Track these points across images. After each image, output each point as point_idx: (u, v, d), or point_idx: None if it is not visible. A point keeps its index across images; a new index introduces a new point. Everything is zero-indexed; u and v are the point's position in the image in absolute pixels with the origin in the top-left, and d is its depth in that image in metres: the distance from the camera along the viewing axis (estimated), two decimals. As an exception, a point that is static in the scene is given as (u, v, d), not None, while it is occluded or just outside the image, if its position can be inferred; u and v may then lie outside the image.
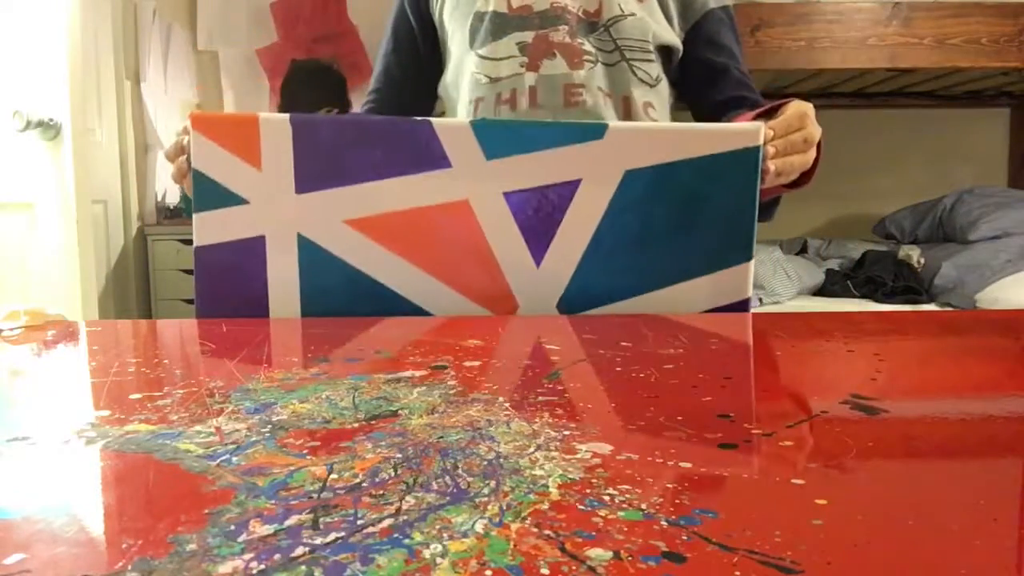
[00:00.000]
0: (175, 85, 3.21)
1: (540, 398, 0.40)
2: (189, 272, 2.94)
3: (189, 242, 2.66)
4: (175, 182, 0.81)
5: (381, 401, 0.40)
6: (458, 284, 0.68)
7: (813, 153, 0.76)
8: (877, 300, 2.37)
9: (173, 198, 3.23)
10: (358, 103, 3.01)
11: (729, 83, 0.97)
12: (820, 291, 2.50)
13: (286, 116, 0.71)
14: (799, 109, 0.75)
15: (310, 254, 0.69)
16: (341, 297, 0.68)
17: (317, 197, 0.70)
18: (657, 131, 0.75)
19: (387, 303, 0.67)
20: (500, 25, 0.95)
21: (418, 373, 0.46)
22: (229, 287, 0.70)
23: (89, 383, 0.47)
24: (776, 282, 2.32)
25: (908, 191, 2.91)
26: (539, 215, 0.70)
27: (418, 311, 0.67)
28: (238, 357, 0.53)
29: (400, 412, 0.38)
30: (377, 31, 2.83)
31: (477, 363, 0.48)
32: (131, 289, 2.87)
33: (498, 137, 0.70)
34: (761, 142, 0.69)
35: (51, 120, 1.95)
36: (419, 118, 0.70)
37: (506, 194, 0.70)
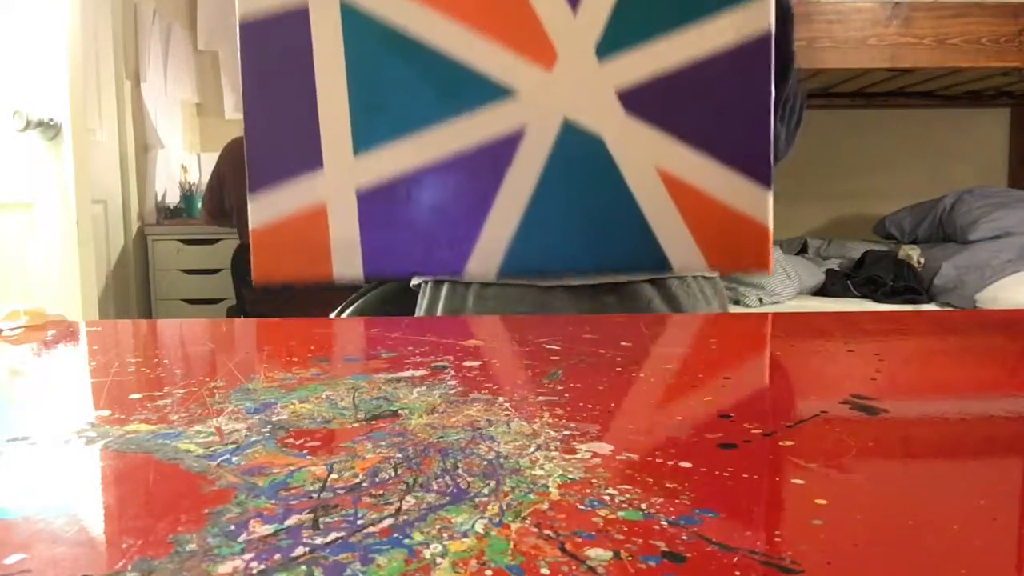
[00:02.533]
0: (175, 85, 3.21)
1: (540, 398, 0.40)
2: (189, 272, 2.94)
3: (189, 242, 2.64)
4: None
5: (381, 401, 0.40)
6: (499, 36, 0.70)
7: None
8: (877, 300, 2.37)
9: (173, 198, 3.23)
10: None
11: None
12: (820, 291, 2.50)
13: None
14: None
15: (352, 19, 0.71)
16: (384, 58, 0.69)
17: None
18: None
19: (430, 62, 0.68)
20: None
21: (418, 373, 0.46)
22: (274, 59, 0.70)
23: (89, 383, 0.47)
24: (776, 282, 2.33)
25: (908, 191, 2.91)
26: None
27: (460, 67, 0.68)
28: (238, 357, 0.53)
29: (400, 412, 0.38)
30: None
31: (477, 363, 0.48)
32: (131, 289, 2.87)
33: None
34: None
35: (51, 120, 1.95)
36: None
37: None
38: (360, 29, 0.69)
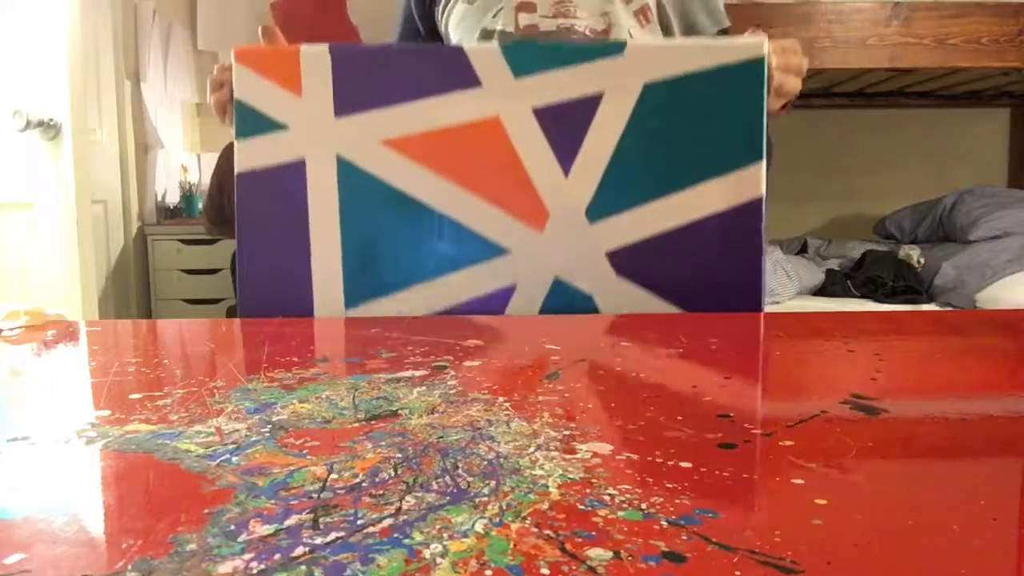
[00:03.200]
0: (175, 85, 3.21)
1: (540, 398, 0.40)
2: (189, 272, 2.94)
3: (189, 242, 2.64)
4: (216, 112, 0.84)
5: (381, 401, 0.40)
6: (492, 197, 0.72)
7: (800, 83, 0.82)
8: (877, 300, 2.37)
9: (173, 198, 3.23)
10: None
11: None
12: (820, 291, 2.50)
13: (326, 46, 0.76)
14: (785, 43, 0.81)
15: (349, 174, 0.73)
16: (379, 214, 0.71)
17: (355, 120, 0.75)
18: (671, 47, 0.82)
19: (424, 219, 0.71)
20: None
21: (418, 373, 0.46)
22: (271, 210, 0.73)
23: (89, 383, 0.47)
24: (776, 282, 2.32)
25: (908, 191, 2.91)
26: (566, 128, 0.75)
27: (454, 226, 0.70)
28: (238, 357, 0.53)
29: (400, 412, 0.38)
30: (378, 32, 2.83)
31: (477, 363, 0.48)
32: (131, 289, 2.87)
33: (525, 56, 0.76)
34: (765, 52, 0.75)
35: (51, 120, 1.95)
36: (451, 44, 0.75)
37: (534, 109, 0.75)
38: (357, 184, 0.71)
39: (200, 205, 3.20)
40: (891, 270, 2.44)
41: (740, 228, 0.69)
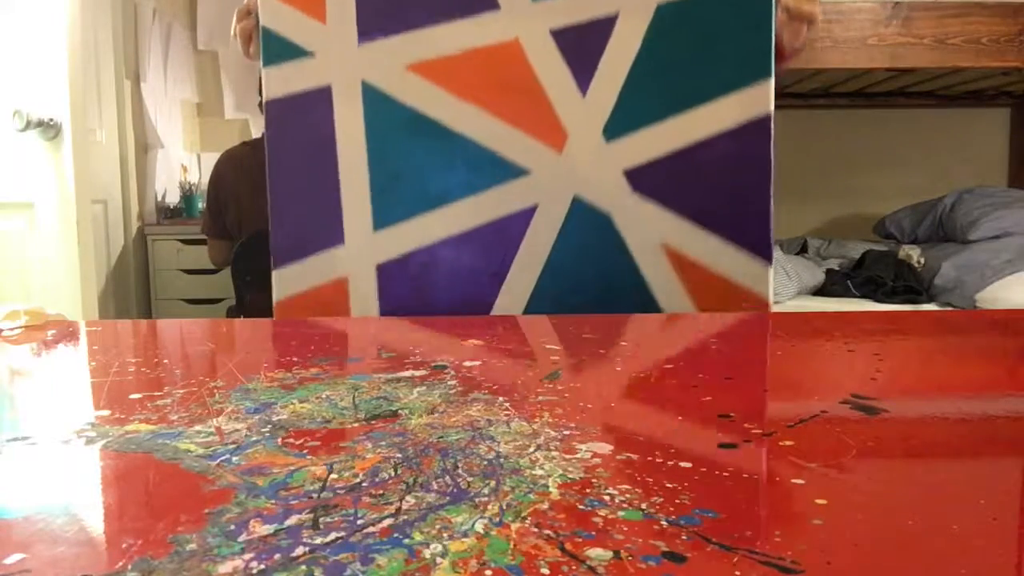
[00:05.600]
0: (175, 85, 3.21)
1: (540, 398, 0.40)
2: (189, 272, 2.94)
3: (189, 242, 2.63)
4: (240, 43, 0.86)
5: (381, 401, 0.40)
6: (512, 119, 0.74)
7: (818, 9, 0.83)
8: (877, 300, 2.36)
9: (173, 198, 3.23)
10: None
11: None
12: (820, 291, 2.49)
13: None
14: None
15: (374, 100, 0.75)
16: (404, 138, 0.72)
17: (378, 45, 0.76)
18: None
19: (447, 142, 0.72)
20: None
21: (418, 373, 0.46)
22: (299, 136, 0.74)
23: (89, 383, 0.47)
24: (776, 282, 2.32)
25: (908, 191, 2.91)
26: (582, 49, 0.76)
27: (476, 148, 0.71)
28: (238, 357, 0.53)
29: (400, 412, 0.38)
30: None
31: (477, 363, 0.48)
32: (131, 289, 2.87)
33: None
34: None
35: (51, 120, 1.95)
36: None
37: (552, 31, 0.76)
38: (382, 109, 0.72)
39: (200, 205, 3.19)
40: (891, 270, 2.44)
41: (750, 144, 0.70)
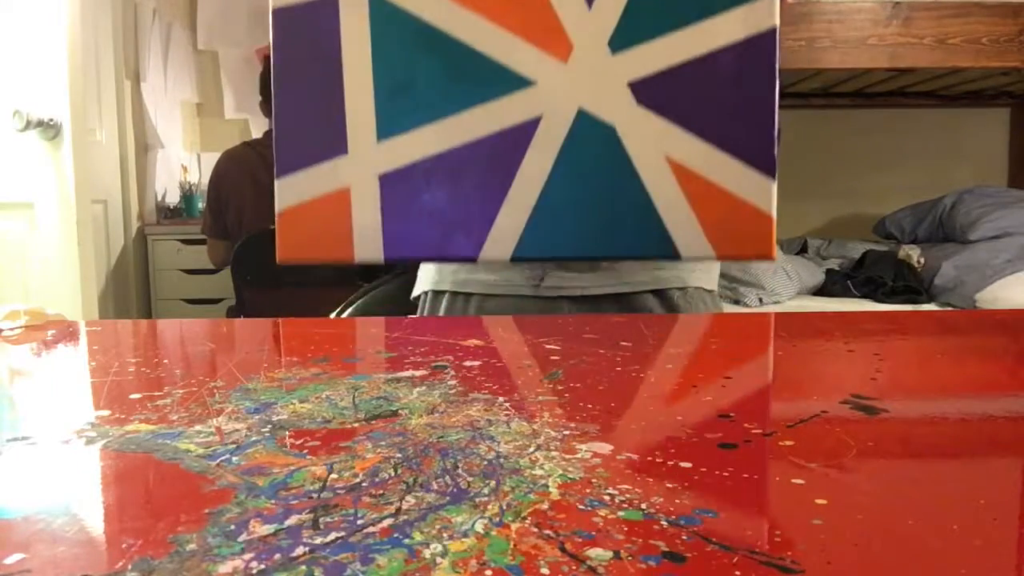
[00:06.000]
0: (175, 85, 3.21)
1: (540, 398, 0.40)
2: (189, 272, 2.94)
3: (189, 242, 2.63)
4: None
5: (381, 401, 0.40)
6: (518, 29, 0.74)
7: None
8: (877, 300, 2.37)
9: (173, 198, 3.23)
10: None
11: None
12: (820, 291, 2.50)
13: None
14: None
15: (379, 9, 0.74)
16: (409, 49, 0.72)
17: None
18: None
19: (451, 52, 0.71)
20: None
21: (418, 373, 0.46)
22: (304, 45, 0.74)
23: (89, 383, 0.47)
24: (776, 282, 2.33)
25: (908, 191, 2.91)
26: None
27: (481, 58, 0.70)
28: (238, 357, 0.53)
29: (400, 412, 0.38)
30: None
31: (477, 363, 0.48)
32: (131, 289, 2.87)
33: None
34: None
35: (51, 120, 1.95)
36: None
37: None
38: (388, 19, 0.71)
39: (200, 205, 3.19)
40: (891, 270, 2.44)
41: (755, 58, 0.70)
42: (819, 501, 0.27)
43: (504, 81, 0.68)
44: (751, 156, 0.63)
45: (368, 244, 0.47)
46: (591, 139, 0.63)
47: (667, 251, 0.49)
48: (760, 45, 0.72)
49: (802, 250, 2.78)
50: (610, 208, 0.54)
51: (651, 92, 0.66)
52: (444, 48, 0.71)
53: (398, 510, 0.26)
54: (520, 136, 0.63)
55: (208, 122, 3.46)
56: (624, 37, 0.73)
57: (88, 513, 0.27)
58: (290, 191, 0.54)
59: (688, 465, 0.30)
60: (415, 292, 0.93)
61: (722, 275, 0.98)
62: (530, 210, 0.52)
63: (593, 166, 0.58)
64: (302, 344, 0.56)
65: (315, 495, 0.27)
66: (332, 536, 0.24)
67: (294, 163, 0.58)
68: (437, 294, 0.88)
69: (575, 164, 0.57)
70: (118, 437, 0.34)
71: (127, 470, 0.31)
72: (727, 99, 0.68)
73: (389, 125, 0.63)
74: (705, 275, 0.88)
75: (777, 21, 0.74)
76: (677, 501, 0.27)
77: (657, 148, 0.59)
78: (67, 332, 0.63)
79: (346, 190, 0.55)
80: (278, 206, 0.53)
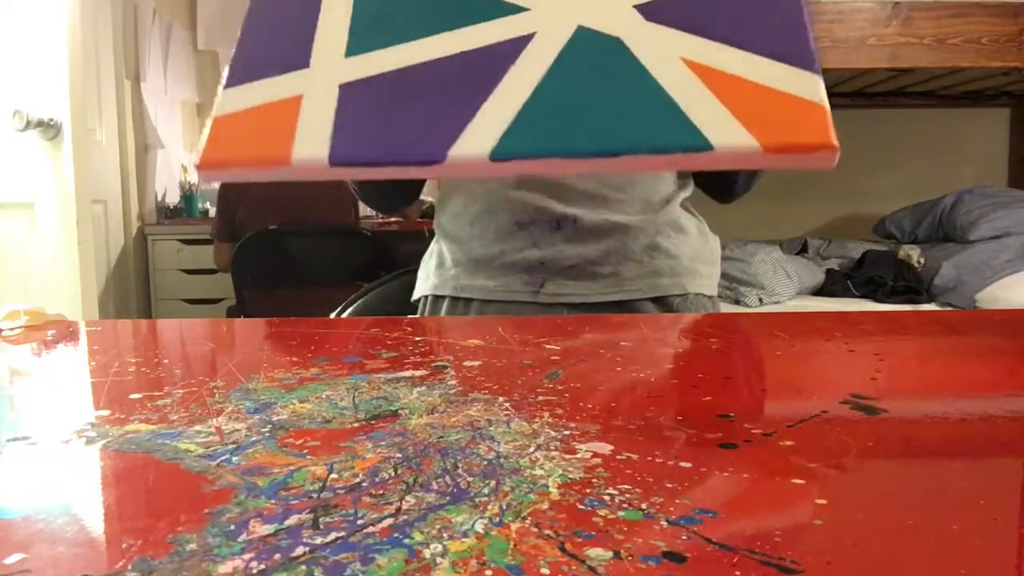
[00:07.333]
0: (175, 85, 3.21)
1: (540, 398, 0.40)
2: (189, 272, 2.94)
3: (189, 242, 2.63)
4: None
5: (381, 401, 0.40)
6: None
7: None
8: (877, 300, 2.37)
9: (173, 198, 3.23)
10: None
11: None
12: (820, 291, 2.50)
13: None
14: None
15: None
16: (401, 2, 0.62)
17: None
18: None
19: None
20: None
21: (418, 373, 0.46)
22: (284, 4, 0.63)
23: (89, 383, 0.47)
24: (776, 282, 2.32)
25: (908, 191, 2.91)
26: None
27: None
28: (238, 357, 0.53)
29: (400, 412, 0.38)
30: None
31: (477, 363, 0.48)
32: (131, 289, 2.87)
33: None
34: None
35: (51, 120, 1.95)
36: None
37: None
38: None
39: (200, 205, 3.19)
40: (891, 270, 2.44)
41: None
42: (819, 501, 0.27)
43: (494, 7, 0.59)
44: (787, 55, 0.53)
45: (312, 142, 0.37)
46: (592, 48, 0.53)
47: (694, 141, 0.38)
48: None
49: (802, 250, 2.78)
50: (616, 102, 0.43)
51: (661, 10, 0.56)
52: None
53: (398, 510, 0.26)
54: (509, 48, 0.52)
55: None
56: None
57: (88, 513, 0.27)
58: (232, 99, 0.43)
59: (688, 465, 0.30)
60: (415, 296, 0.92)
61: (722, 275, 0.97)
62: (517, 110, 0.42)
63: (595, 68, 0.48)
64: (302, 344, 0.56)
65: (315, 495, 0.27)
66: (332, 536, 0.24)
67: (245, 75, 0.46)
68: (437, 299, 0.88)
69: (573, 66, 0.47)
70: (118, 437, 0.34)
71: (127, 470, 0.31)
72: (748, 8, 0.57)
73: (362, 44, 0.52)
74: (706, 281, 0.88)
75: None
76: (677, 501, 0.27)
77: (671, 52, 0.48)
78: (67, 332, 0.63)
79: (298, 97, 0.45)
80: (214, 113, 0.42)
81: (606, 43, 0.53)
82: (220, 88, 0.43)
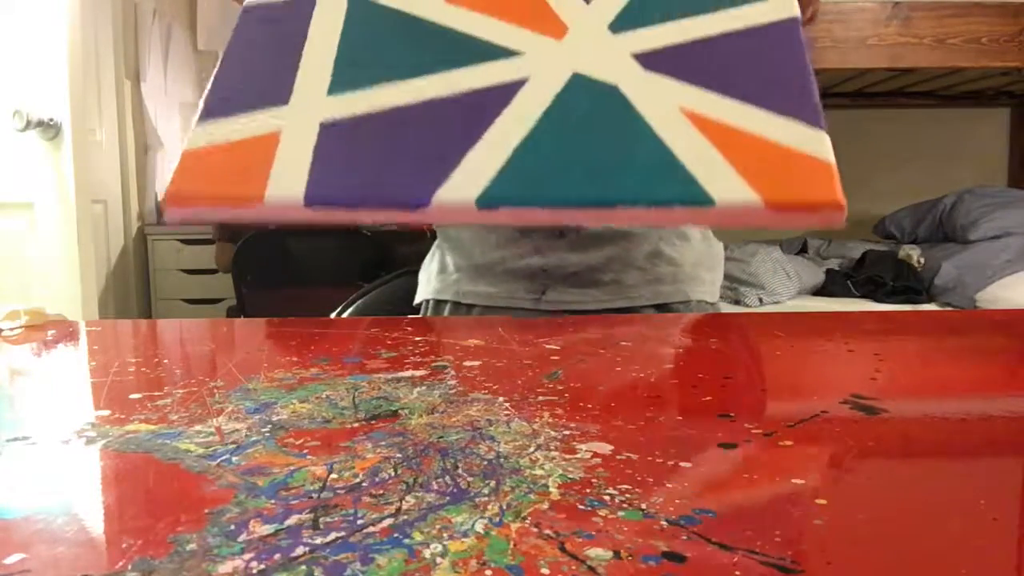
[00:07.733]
0: (175, 85, 3.21)
1: (540, 398, 0.40)
2: (189, 272, 2.94)
3: (189, 242, 2.63)
4: None
5: (381, 401, 0.40)
6: (507, 16, 0.65)
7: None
8: (877, 300, 2.37)
9: (173, 198, 3.22)
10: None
11: None
12: (820, 291, 2.50)
13: None
14: None
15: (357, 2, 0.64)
16: (383, 31, 0.61)
17: None
18: None
19: (430, 32, 0.62)
20: None
21: (418, 373, 0.46)
22: (267, 42, 0.60)
23: (89, 383, 0.47)
24: (776, 282, 2.32)
25: (908, 191, 2.91)
26: None
27: (461, 35, 0.61)
28: (238, 357, 0.53)
29: (400, 412, 0.38)
30: None
31: (477, 363, 0.48)
32: (131, 289, 2.87)
33: None
34: None
35: (51, 120, 1.95)
36: None
37: None
38: (364, 7, 0.61)
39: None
40: (891, 270, 2.44)
41: (779, 35, 0.57)
42: (819, 501, 0.27)
43: (487, 52, 0.56)
44: (790, 108, 0.51)
45: (288, 181, 0.35)
46: (588, 96, 0.51)
47: (693, 194, 0.35)
48: (785, 29, 0.60)
49: (802, 250, 2.78)
50: (612, 152, 0.42)
51: (660, 60, 0.54)
52: (421, 28, 0.60)
53: (398, 510, 0.26)
54: (501, 93, 0.50)
55: (208, 122, 3.46)
56: (627, 22, 0.64)
57: (88, 513, 0.27)
58: (205, 134, 0.41)
59: (688, 465, 0.30)
60: (417, 299, 0.92)
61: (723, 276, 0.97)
62: (509, 152, 0.40)
63: (590, 115, 0.46)
64: (302, 344, 0.56)
65: (315, 495, 0.27)
66: (332, 536, 0.24)
67: (221, 109, 0.44)
68: (439, 303, 0.88)
69: (568, 114, 0.45)
70: (118, 437, 0.34)
71: (127, 470, 0.31)
72: (751, 54, 0.54)
73: (345, 83, 0.50)
74: (708, 288, 0.88)
75: (799, 12, 0.62)
76: (677, 501, 0.27)
77: (671, 102, 0.47)
78: (67, 332, 0.63)
79: (275, 134, 0.42)
80: (185, 147, 0.40)
81: (602, 91, 0.51)
82: (194, 121, 0.41)
